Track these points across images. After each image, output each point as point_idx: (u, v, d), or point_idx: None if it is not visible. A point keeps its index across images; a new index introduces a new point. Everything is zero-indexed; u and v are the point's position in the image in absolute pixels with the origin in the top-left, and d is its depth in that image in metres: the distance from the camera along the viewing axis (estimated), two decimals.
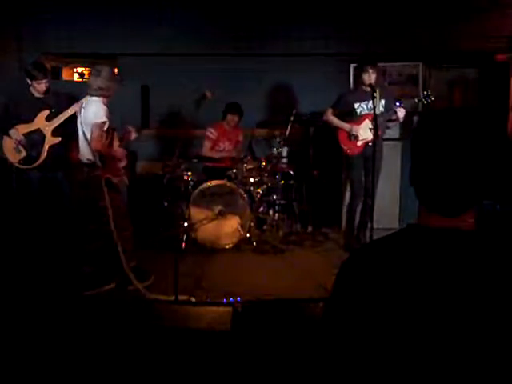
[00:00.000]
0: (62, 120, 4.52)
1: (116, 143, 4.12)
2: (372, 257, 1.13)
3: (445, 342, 1.00)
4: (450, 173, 1.07)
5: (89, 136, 3.91)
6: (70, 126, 4.67)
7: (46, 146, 4.57)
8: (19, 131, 4.57)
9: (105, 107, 3.93)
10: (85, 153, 3.99)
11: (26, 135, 4.58)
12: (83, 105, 4.02)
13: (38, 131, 4.58)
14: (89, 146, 3.92)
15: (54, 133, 4.58)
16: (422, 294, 1.03)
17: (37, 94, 4.61)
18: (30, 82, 4.55)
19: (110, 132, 4.00)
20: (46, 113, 4.57)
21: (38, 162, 4.59)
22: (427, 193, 1.11)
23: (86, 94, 3.98)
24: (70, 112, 4.47)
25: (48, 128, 4.56)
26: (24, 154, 4.60)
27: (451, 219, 1.09)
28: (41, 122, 4.58)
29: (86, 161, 3.98)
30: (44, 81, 4.52)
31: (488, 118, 1.12)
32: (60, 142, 4.61)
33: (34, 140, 4.58)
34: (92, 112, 3.91)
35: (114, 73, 4.15)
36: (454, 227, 1.09)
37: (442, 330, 1.01)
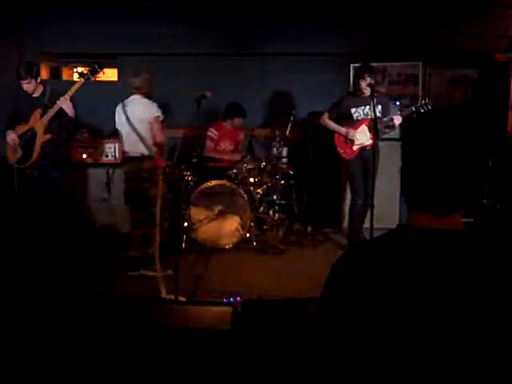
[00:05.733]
0: (50, 117, 4.54)
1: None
2: (362, 258, 1.13)
3: (430, 338, 1.00)
4: (439, 172, 1.07)
5: (142, 131, 4.36)
6: (67, 125, 4.69)
7: (38, 144, 4.61)
8: (16, 132, 4.62)
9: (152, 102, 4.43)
10: (136, 147, 4.40)
11: (22, 135, 4.61)
12: (126, 103, 4.45)
13: (32, 130, 4.60)
14: (142, 140, 4.36)
15: (45, 131, 4.60)
16: (410, 294, 1.03)
17: (33, 94, 4.64)
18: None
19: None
20: (40, 112, 4.60)
21: (30, 161, 4.63)
22: (416, 192, 1.11)
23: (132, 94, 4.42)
24: (55, 108, 4.50)
25: (39, 126, 4.58)
26: (20, 153, 4.64)
27: (439, 219, 1.09)
28: (35, 121, 4.61)
29: (137, 154, 4.39)
30: (26, 81, 4.53)
31: (479, 118, 1.12)
32: (52, 139, 4.63)
33: (28, 139, 4.61)
34: (141, 109, 4.37)
35: (152, 71, 4.59)
36: (442, 227, 1.08)
37: (428, 327, 1.01)
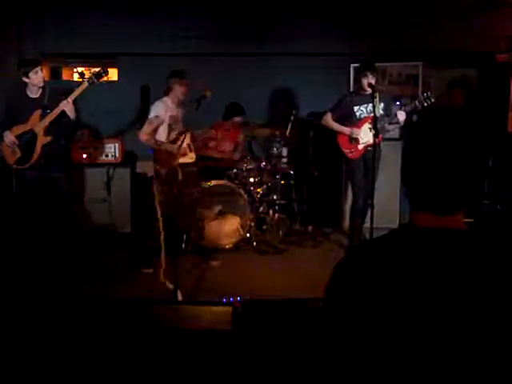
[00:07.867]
0: (51, 119, 4.52)
1: None
2: (366, 258, 1.13)
3: (435, 338, 1.00)
4: (441, 172, 1.07)
5: None
6: (65, 127, 4.68)
7: (39, 146, 4.59)
8: (14, 132, 4.59)
9: None
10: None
11: (20, 136, 4.59)
12: None
13: (31, 131, 4.59)
14: None
15: (46, 132, 4.58)
16: (414, 294, 1.03)
17: (32, 95, 4.61)
18: (27, 80, 4.54)
19: None
20: (39, 113, 4.58)
21: (30, 162, 4.61)
22: (419, 192, 1.11)
23: None
24: (57, 111, 4.47)
25: (40, 128, 4.57)
26: (19, 154, 4.62)
27: (442, 218, 1.09)
28: (35, 122, 4.59)
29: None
30: (37, 68, 4.51)
31: (479, 118, 1.12)
32: (53, 141, 4.62)
33: (28, 140, 4.59)
34: None
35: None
36: (445, 227, 1.09)
37: (433, 327, 1.01)
